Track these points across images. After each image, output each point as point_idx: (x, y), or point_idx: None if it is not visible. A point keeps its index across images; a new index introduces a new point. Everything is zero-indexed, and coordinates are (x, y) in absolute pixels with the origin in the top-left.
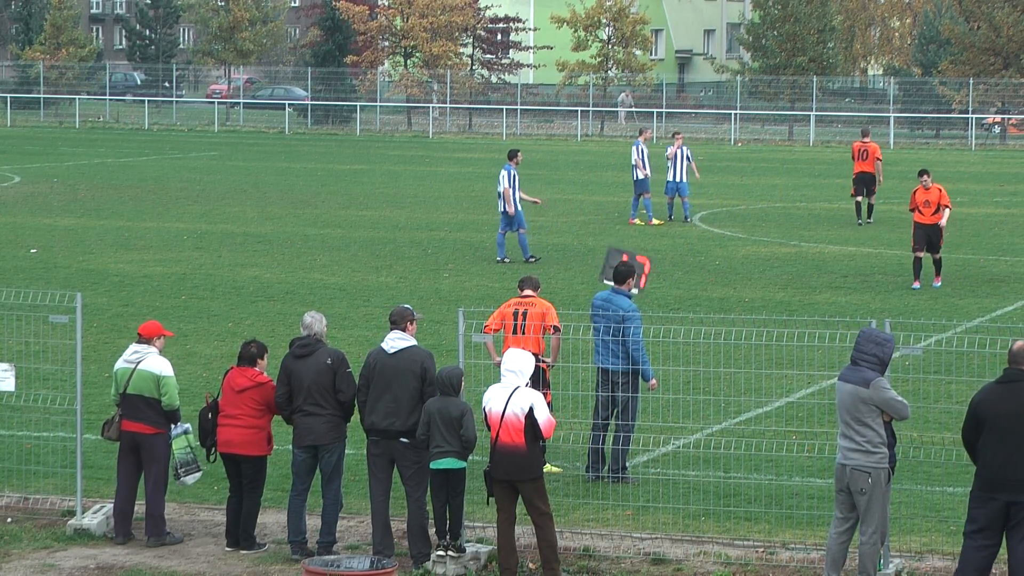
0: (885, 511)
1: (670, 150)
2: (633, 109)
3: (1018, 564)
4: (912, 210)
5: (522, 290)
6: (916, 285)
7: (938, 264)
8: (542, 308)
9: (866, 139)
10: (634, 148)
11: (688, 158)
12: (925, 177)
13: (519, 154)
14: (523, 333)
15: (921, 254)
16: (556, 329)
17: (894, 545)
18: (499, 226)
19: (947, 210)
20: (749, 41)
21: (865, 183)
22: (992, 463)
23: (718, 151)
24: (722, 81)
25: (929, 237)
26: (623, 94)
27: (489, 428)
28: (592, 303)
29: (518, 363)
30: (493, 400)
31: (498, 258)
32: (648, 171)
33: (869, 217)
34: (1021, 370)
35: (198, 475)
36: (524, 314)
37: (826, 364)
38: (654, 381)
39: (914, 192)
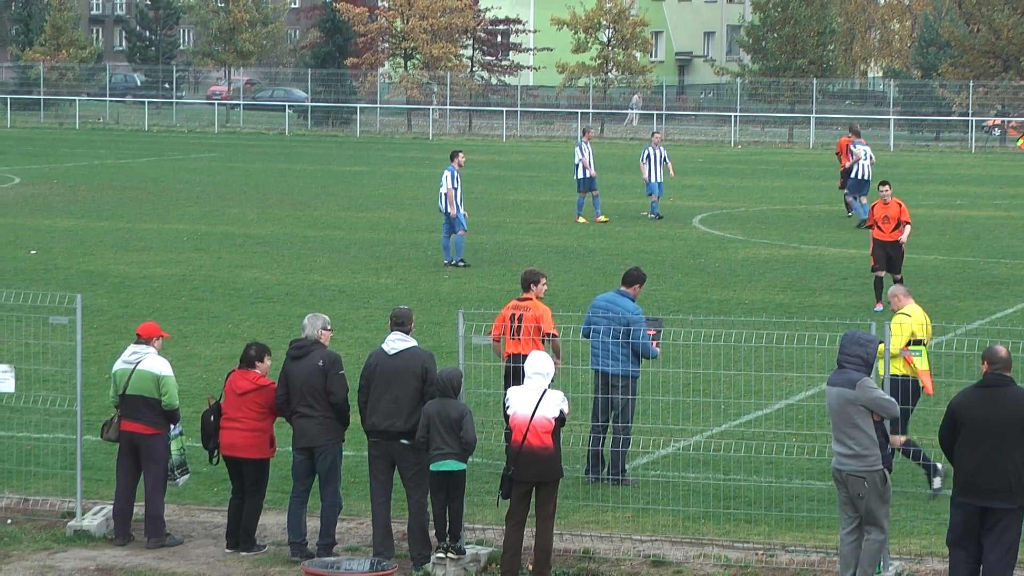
0: (886, 511)
1: (648, 150)
2: (662, 111)
3: (990, 570)
4: (869, 227)
5: (523, 288)
6: (878, 307)
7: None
8: (536, 312)
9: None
10: (577, 149)
11: (665, 158)
12: (885, 189)
13: (460, 154)
14: (519, 336)
15: (882, 273)
16: (552, 336)
17: (894, 548)
18: (443, 229)
19: (907, 227)
20: (749, 43)
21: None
22: (967, 468)
23: (718, 153)
24: (722, 83)
25: (889, 255)
26: (636, 96)
27: (512, 430)
28: (593, 303)
29: (543, 365)
30: (519, 403)
31: (444, 261)
32: (593, 171)
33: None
34: (1001, 375)
35: (188, 476)
36: (520, 317)
37: (826, 366)
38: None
39: (872, 206)
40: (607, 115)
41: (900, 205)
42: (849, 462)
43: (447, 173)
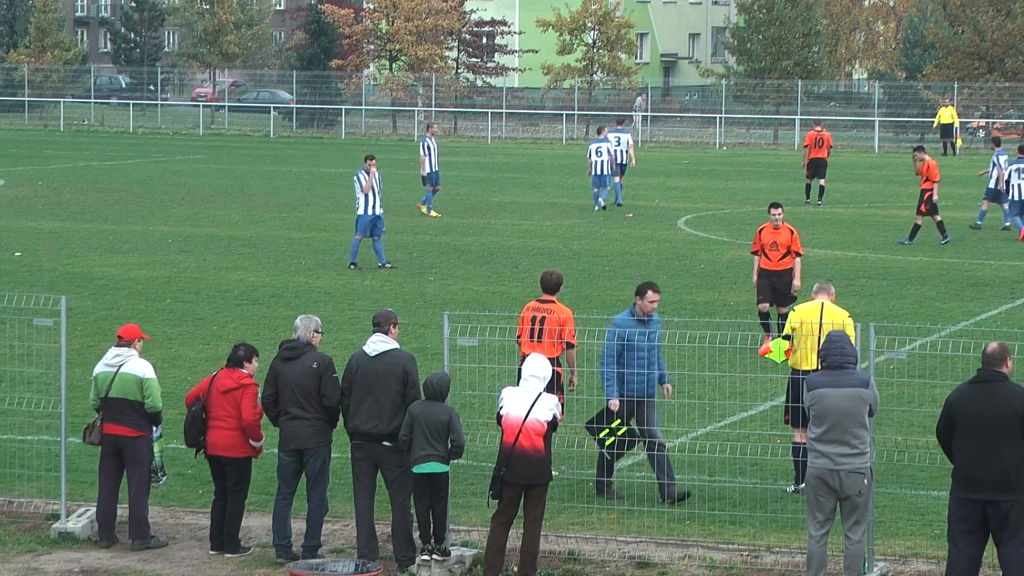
0: (871, 508)
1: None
2: (647, 113)
3: (1009, 569)
4: (754, 253)
5: (546, 291)
6: (767, 348)
7: (783, 321)
8: (560, 316)
9: (820, 129)
10: (421, 143)
11: (600, 153)
12: (776, 213)
13: (367, 160)
14: (540, 339)
15: (767, 307)
16: (569, 345)
17: (879, 549)
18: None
19: (798, 259)
20: (734, 45)
21: (820, 168)
22: (966, 463)
23: (703, 155)
24: (707, 85)
25: (775, 287)
26: (639, 98)
27: (503, 431)
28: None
29: (540, 368)
30: (512, 404)
31: (378, 264)
32: (436, 166)
33: (820, 198)
34: (994, 371)
35: (166, 477)
36: (542, 320)
37: None
38: (615, 401)
39: (760, 230)
40: (592, 117)
41: (792, 232)
42: (850, 461)
43: (355, 177)
